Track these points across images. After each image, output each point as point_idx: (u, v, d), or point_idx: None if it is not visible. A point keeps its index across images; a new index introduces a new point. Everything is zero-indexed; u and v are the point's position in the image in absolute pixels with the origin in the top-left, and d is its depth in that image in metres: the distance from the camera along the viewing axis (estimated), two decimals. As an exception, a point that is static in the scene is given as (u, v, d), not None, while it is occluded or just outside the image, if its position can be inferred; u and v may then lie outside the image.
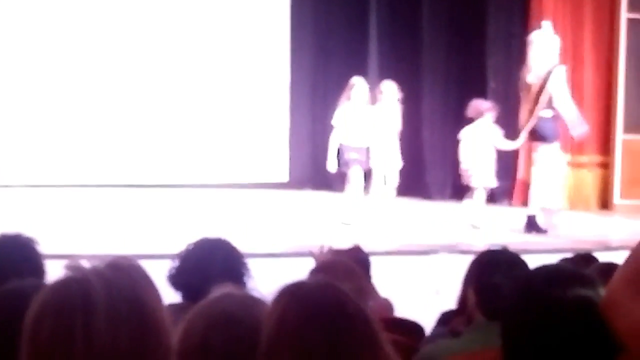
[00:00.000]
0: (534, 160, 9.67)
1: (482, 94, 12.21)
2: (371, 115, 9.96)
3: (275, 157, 13.86)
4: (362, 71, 12.94)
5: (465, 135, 9.80)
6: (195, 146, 13.52)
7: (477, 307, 3.27)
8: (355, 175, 9.85)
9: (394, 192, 10.23)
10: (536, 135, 9.48)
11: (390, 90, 10.11)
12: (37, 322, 1.55)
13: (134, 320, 1.54)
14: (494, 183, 9.89)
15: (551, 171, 9.50)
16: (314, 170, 13.83)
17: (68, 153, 13.13)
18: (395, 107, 10.14)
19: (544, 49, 9.47)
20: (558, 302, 2.13)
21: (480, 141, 9.67)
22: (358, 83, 10.00)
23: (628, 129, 10.70)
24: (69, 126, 13.13)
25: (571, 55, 11.75)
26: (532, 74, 9.45)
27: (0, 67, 12.96)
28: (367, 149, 9.92)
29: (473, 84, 12.40)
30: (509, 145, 9.84)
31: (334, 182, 13.55)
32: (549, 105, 9.31)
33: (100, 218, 9.97)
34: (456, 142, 11.33)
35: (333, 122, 9.96)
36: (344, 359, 1.79)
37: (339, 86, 13.42)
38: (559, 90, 9.32)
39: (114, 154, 13.25)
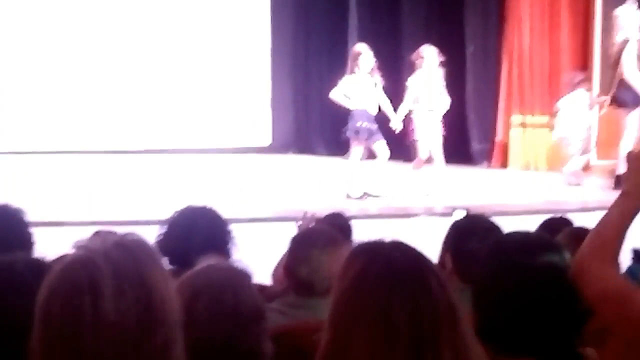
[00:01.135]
0: (625, 125, 9.76)
1: (461, 58, 12.25)
2: (411, 81, 9.41)
3: (258, 121, 13.90)
4: (342, 35, 12.96)
5: (562, 105, 10.31)
6: (178, 112, 13.56)
7: (454, 271, 3.37)
8: (361, 145, 9.20)
9: (442, 160, 9.54)
10: (618, 101, 9.74)
11: (432, 55, 9.45)
12: (46, 305, 1.59)
13: (140, 299, 1.59)
14: (590, 150, 10.11)
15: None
16: (297, 135, 13.89)
17: (52, 120, 13.20)
18: (437, 72, 9.48)
19: (626, 22, 9.71)
20: (527, 269, 2.19)
21: (576, 111, 10.15)
22: (365, 51, 9.26)
23: (604, 91, 10.73)
24: (53, 94, 13.19)
25: (548, 18, 11.87)
26: (614, 46, 9.78)
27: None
28: (375, 118, 9.24)
29: (452, 49, 12.44)
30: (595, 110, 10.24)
31: (317, 146, 13.63)
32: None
33: (86, 184, 9.97)
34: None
35: (343, 90, 9.25)
36: (424, 323, 1.74)
37: (319, 50, 13.48)
38: (628, 64, 9.56)
39: (99, 121, 13.30)
